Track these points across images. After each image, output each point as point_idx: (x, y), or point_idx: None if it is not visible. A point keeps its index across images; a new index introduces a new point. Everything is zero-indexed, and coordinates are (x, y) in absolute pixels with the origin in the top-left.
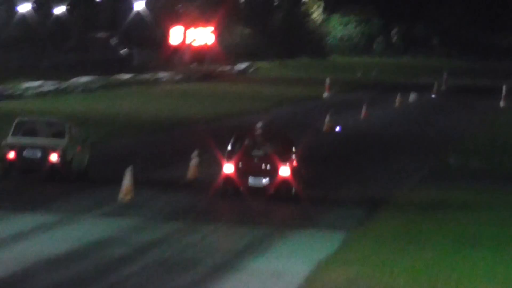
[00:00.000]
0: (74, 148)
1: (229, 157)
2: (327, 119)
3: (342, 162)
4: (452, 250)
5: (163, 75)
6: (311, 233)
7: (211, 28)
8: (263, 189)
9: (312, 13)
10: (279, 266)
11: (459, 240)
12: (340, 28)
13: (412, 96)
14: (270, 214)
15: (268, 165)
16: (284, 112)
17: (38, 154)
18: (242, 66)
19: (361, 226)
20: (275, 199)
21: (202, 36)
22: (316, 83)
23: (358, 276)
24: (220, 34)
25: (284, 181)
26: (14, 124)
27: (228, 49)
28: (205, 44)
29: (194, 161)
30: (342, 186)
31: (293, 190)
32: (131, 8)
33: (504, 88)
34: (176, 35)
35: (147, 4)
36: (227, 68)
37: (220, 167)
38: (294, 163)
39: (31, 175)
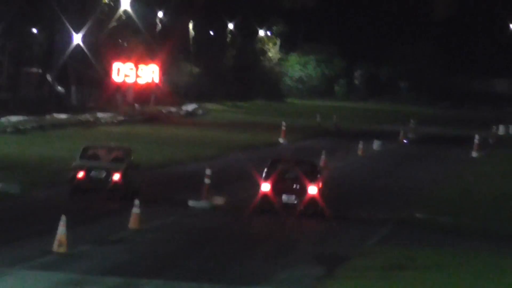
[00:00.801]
0: (131, 170)
1: (266, 178)
2: None
3: (301, 216)
4: None
5: (103, 115)
6: None
7: (157, 66)
8: (294, 205)
9: (267, 52)
10: None
11: None
12: (298, 68)
13: (376, 144)
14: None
15: (298, 185)
16: (236, 159)
17: (103, 174)
18: (190, 107)
19: (319, 286)
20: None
21: (147, 74)
22: (271, 128)
23: None
24: (166, 72)
25: (312, 198)
26: (81, 149)
27: (175, 89)
28: (150, 83)
29: (136, 210)
30: (300, 242)
31: (319, 207)
32: (70, 41)
33: (476, 137)
34: (118, 72)
35: (87, 37)
36: (173, 109)
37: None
38: (320, 184)
39: None
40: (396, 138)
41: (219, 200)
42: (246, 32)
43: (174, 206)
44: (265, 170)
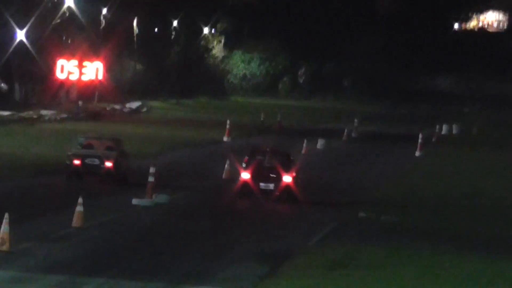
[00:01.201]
0: (122, 158)
1: (246, 167)
2: (226, 165)
3: (243, 214)
4: None
5: (46, 112)
6: None
7: (101, 63)
8: (271, 191)
9: (212, 49)
10: None
11: None
12: (243, 66)
13: (321, 143)
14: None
15: (275, 174)
16: (180, 157)
17: (97, 161)
18: (134, 105)
19: (261, 284)
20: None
21: (91, 71)
22: (215, 125)
23: None
24: (110, 69)
25: (287, 186)
26: (78, 139)
27: (119, 86)
28: (94, 80)
29: (79, 207)
30: (242, 240)
31: (293, 193)
32: (13, 37)
33: (420, 136)
34: (62, 69)
35: (31, 33)
36: (117, 107)
37: None
38: (294, 173)
39: None
40: (340, 136)
41: (163, 198)
42: (191, 29)
43: (117, 204)
44: (245, 159)
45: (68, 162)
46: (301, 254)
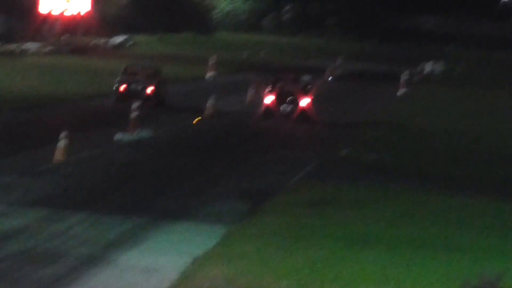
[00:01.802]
0: (161, 85)
1: (269, 92)
2: (209, 102)
3: (225, 151)
4: (340, 250)
5: (30, 46)
6: (188, 226)
7: None
8: (290, 113)
9: None
10: (152, 261)
11: (347, 240)
12: (227, 2)
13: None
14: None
15: (294, 98)
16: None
17: (139, 87)
18: (118, 39)
19: (243, 220)
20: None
21: (75, 4)
22: (199, 61)
23: (238, 274)
24: (95, 3)
25: (303, 109)
26: (123, 68)
27: (103, 21)
28: (78, 14)
29: (62, 142)
30: (224, 177)
31: (309, 115)
32: None
33: (403, 74)
34: (46, 2)
35: None
36: (102, 41)
37: None
38: (311, 98)
39: None
40: (323, 75)
41: (146, 133)
42: None
43: (100, 139)
44: (269, 86)
45: (115, 88)
46: (283, 192)
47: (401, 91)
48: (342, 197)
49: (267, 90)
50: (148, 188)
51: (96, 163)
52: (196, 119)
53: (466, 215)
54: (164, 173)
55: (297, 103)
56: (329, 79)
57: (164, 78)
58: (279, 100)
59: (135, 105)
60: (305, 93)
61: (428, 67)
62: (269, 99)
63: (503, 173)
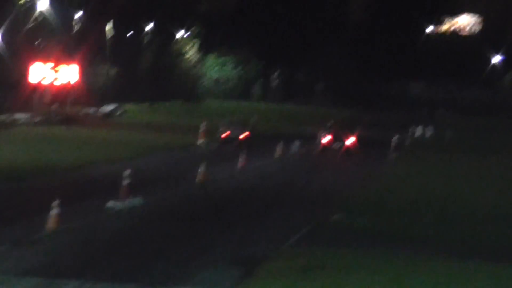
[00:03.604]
0: (249, 134)
1: (326, 134)
2: (201, 169)
3: (218, 217)
4: None
5: (20, 116)
6: None
7: (75, 67)
8: (339, 149)
9: (185, 53)
10: None
11: None
12: (217, 69)
13: (295, 146)
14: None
15: (342, 139)
16: (154, 161)
17: (237, 134)
18: (108, 108)
19: (237, 287)
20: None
21: (65, 75)
22: (190, 129)
23: None
24: (84, 73)
25: (348, 147)
26: (227, 120)
27: (93, 90)
28: (68, 84)
29: (54, 211)
30: (216, 243)
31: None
32: None
33: (393, 140)
34: (36, 73)
35: (4, 37)
36: (91, 110)
37: None
38: (354, 139)
39: None
40: (314, 140)
41: (137, 201)
42: (164, 33)
43: (93, 207)
44: (324, 133)
45: (219, 135)
46: (276, 257)
47: (391, 155)
48: (335, 262)
49: (323, 135)
50: (140, 255)
51: (88, 231)
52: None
53: (458, 279)
54: (156, 241)
55: (344, 143)
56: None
57: (252, 128)
58: (333, 140)
59: (126, 172)
60: (349, 136)
61: (418, 131)
62: (326, 139)
63: (494, 236)
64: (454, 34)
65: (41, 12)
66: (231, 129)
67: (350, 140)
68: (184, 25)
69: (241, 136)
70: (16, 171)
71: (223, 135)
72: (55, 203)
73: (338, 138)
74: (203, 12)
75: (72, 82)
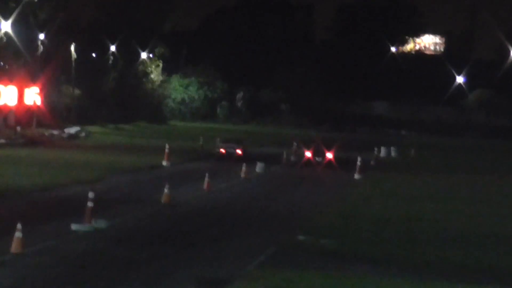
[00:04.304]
0: (245, 148)
1: (307, 149)
2: (166, 190)
3: (182, 238)
4: None
5: None
6: None
7: (39, 89)
8: (320, 162)
9: (150, 73)
10: None
11: None
12: (181, 90)
13: (260, 167)
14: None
15: (323, 153)
16: (119, 182)
17: (233, 150)
18: (72, 130)
19: None
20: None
21: (29, 97)
22: (154, 150)
23: None
24: (48, 95)
25: (329, 160)
26: (222, 138)
27: (57, 112)
28: (32, 106)
29: (19, 234)
30: (180, 265)
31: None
32: None
33: (358, 159)
34: None
35: None
36: (56, 132)
37: None
38: (333, 153)
39: None
40: (279, 160)
41: (102, 223)
42: (128, 54)
43: (56, 230)
44: (307, 147)
45: (218, 150)
46: (240, 278)
47: (356, 176)
48: (300, 284)
49: (307, 149)
50: (104, 278)
51: (53, 254)
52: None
53: None
54: (120, 263)
55: (325, 156)
56: (285, 163)
57: (246, 144)
58: (314, 153)
59: (91, 194)
60: (330, 149)
61: (382, 152)
62: (308, 153)
63: (460, 258)
64: (419, 54)
65: (5, 33)
66: (227, 146)
67: (330, 155)
68: (148, 45)
69: (239, 152)
70: None
71: (222, 150)
72: (19, 225)
73: (319, 152)
74: (167, 33)
75: (36, 104)
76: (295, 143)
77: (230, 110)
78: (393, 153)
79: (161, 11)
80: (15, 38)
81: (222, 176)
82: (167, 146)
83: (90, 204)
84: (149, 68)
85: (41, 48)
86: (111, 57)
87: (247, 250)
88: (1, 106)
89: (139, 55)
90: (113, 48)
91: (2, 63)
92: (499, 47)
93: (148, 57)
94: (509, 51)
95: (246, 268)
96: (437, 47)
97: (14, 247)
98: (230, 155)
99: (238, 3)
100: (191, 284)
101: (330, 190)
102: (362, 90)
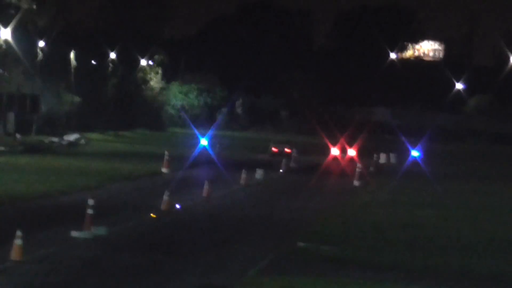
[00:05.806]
0: (292, 149)
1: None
2: (165, 197)
3: (182, 245)
4: None
5: None
6: None
7: (37, 96)
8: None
9: (149, 80)
10: None
11: None
12: (181, 97)
13: (259, 173)
14: None
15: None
16: (118, 189)
17: (283, 149)
18: (72, 137)
19: None
20: None
21: (30, 104)
22: (154, 157)
23: None
24: (48, 102)
25: (352, 157)
26: (274, 141)
27: (57, 119)
28: (32, 113)
29: (18, 241)
30: (180, 273)
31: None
32: None
33: (358, 165)
34: None
35: None
36: (55, 139)
37: None
38: (357, 150)
39: None
40: (279, 167)
41: (102, 230)
42: (128, 61)
43: (56, 237)
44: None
45: (270, 149)
46: (241, 286)
47: (356, 182)
48: None
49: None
50: (104, 285)
51: (52, 261)
52: (153, 215)
53: None
54: (121, 270)
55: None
56: (285, 170)
57: (293, 146)
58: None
59: (91, 201)
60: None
61: (382, 158)
62: (336, 151)
63: (460, 263)
64: (418, 60)
65: (5, 40)
66: (278, 146)
67: (352, 151)
68: (147, 53)
69: (287, 150)
70: None
71: (274, 149)
72: (19, 233)
73: (345, 150)
74: (166, 40)
75: (37, 111)
76: (294, 150)
77: (229, 117)
78: (393, 159)
79: (160, 19)
80: (14, 46)
81: (222, 182)
82: (166, 153)
83: (90, 211)
84: (149, 75)
85: (40, 55)
86: (111, 64)
87: (247, 256)
88: (1, 113)
89: (138, 62)
90: (112, 55)
91: (1, 70)
92: (498, 54)
93: (148, 64)
94: (508, 57)
95: (246, 275)
96: (436, 54)
97: (14, 254)
98: (281, 153)
99: (237, 10)
100: None
101: (329, 196)
102: (362, 97)
